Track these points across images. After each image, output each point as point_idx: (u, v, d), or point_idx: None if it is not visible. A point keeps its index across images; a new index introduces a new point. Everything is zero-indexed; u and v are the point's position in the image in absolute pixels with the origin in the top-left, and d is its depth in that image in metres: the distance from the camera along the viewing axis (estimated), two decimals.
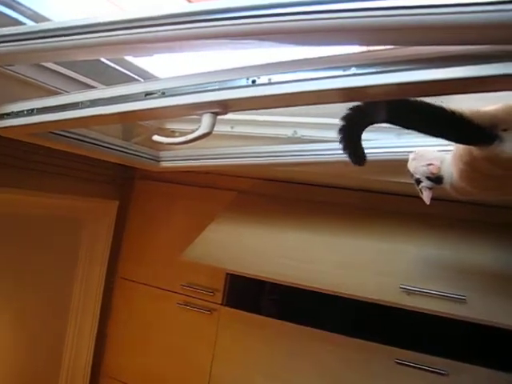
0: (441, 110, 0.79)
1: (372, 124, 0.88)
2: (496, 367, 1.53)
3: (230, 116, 0.93)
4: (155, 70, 1.62)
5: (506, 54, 0.59)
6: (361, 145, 0.93)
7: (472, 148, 0.85)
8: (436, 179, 1.02)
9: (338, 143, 0.91)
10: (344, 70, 0.70)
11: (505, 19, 0.52)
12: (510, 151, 0.77)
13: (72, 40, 0.87)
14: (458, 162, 0.92)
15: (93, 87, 1.37)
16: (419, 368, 1.61)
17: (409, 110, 0.82)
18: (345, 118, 0.86)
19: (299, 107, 1.10)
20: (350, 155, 0.95)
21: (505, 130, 0.77)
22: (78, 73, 1.38)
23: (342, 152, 0.93)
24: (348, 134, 0.90)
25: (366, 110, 0.85)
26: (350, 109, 0.84)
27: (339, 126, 0.88)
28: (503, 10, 0.51)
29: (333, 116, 1.32)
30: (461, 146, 0.91)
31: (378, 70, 0.67)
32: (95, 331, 2.28)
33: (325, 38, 0.67)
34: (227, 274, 2.05)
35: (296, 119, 1.47)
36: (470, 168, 0.89)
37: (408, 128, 0.87)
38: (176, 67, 1.49)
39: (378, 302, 1.60)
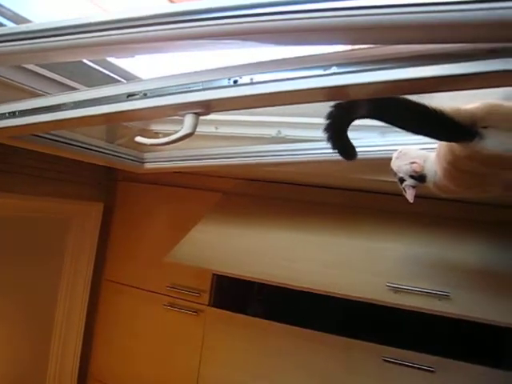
0: (422, 108, 0.80)
1: (355, 120, 0.89)
2: (483, 364, 1.54)
3: (214, 116, 0.93)
4: (137, 71, 1.61)
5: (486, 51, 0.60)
6: (349, 140, 0.93)
7: (454, 147, 0.86)
8: (419, 177, 1.03)
9: (326, 142, 0.91)
10: (325, 70, 0.70)
11: (480, 18, 0.52)
12: (490, 148, 0.78)
13: (53, 42, 0.86)
14: (442, 162, 0.93)
15: (75, 89, 1.36)
16: (407, 365, 1.61)
17: (391, 106, 0.82)
18: (329, 116, 0.87)
19: (283, 107, 1.10)
20: (341, 152, 0.95)
21: (485, 127, 0.78)
22: (60, 74, 1.37)
23: (326, 151, 0.93)
24: (334, 131, 0.90)
25: (349, 107, 0.86)
26: (333, 106, 0.85)
27: (324, 125, 0.88)
28: (477, 9, 0.52)
29: (316, 115, 1.33)
30: (444, 146, 0.91)
31: (359, 68, 0.67)
32: (82, 334, 2.27)
33: (306, 38, 0.67)
34: (213, 274, 2.04)
35: (280, 119, 1.47)
36: (453, 167, 0.90)
37: (389, 124, 0.87)
38: (158, 68, 1.48)
39: (365, 301, 1.60)
